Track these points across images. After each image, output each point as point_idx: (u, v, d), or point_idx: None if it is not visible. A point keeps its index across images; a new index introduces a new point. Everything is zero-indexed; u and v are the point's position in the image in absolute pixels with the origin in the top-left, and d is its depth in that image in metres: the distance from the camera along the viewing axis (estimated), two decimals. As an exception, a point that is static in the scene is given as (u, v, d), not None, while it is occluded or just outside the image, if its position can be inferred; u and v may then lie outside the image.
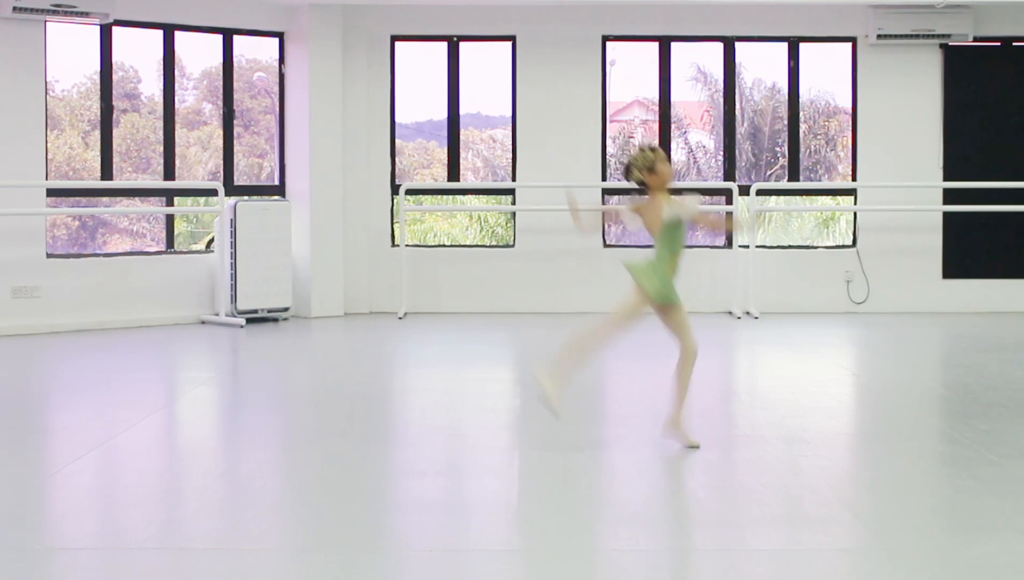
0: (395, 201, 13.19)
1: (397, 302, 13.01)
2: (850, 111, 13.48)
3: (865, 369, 10.21)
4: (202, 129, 13.80)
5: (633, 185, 6.68)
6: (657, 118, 13.60)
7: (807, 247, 13.65)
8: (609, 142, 13.73)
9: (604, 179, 13.31)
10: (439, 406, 8.16)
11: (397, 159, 13.49)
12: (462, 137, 13.66)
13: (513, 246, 13.38)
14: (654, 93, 13.55)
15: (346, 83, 13.04)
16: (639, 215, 6.70)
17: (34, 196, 11.55)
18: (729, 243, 13.00)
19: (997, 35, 13.20)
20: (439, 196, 14.06)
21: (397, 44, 13.33)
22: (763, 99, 14.79)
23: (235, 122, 12.97)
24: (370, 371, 9.85)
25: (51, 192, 11.82)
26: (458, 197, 13.98)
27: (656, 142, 13.70)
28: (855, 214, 13.44)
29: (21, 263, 11.41)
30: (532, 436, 7.18)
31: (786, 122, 13.57)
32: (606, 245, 13.36)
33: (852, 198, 13.53)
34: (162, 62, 12.42)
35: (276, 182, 13.10)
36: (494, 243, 14.61)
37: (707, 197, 13.69)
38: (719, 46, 13.43)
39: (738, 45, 13.43)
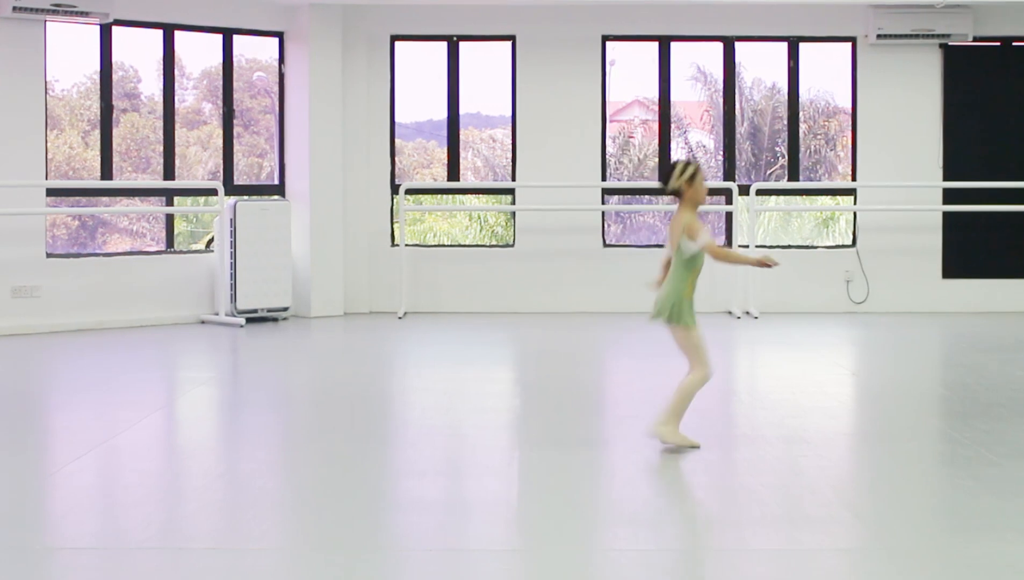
0: (395, 201, 13.19)
1: (397, 302, 13.01)
2: (850, 111, 13.48)
3: (865, 369, 10.21)
4: (202, 129, 13.79)
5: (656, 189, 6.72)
6: (657, 118, 13.60)
7: (807, 247, 13.65)
8: (609, 142, 13.72)
9: (604, 179, 13.31)
10: (439, 406, 8.16)
11: (397, 159, 13.49)
12: (462, 137, 13.66)
13: (513, 246, 13.38)
14: (654, 93, 13.55)
15: (346, 83, 13.03)
16: (670, 229, 6.76)
17: (34, 196, 11.55)
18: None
19: (997, 35, 13.20)
20: (439, 196, 14.06)
21: (397, 44, 13.33)
22: (763, 99, 14.79)
23: (235, 122, 12.97)
24: (370, 371, 9.85)
25: (51, 192, 11.82)
26: (458, 197, 13.98)
27: (657, 142, 13.70)
28: (855, 214, 13.44)
29: (21, 263, 11.41)
30: (532, 436, 7.18)
31: (786, 122, 13.58)
32: (606, 245, 13.35)
33: (852, 198, 13.53)
34: (162, 62, 12.41)
35: (276, 182, 13.10)
36: (494, 243, 14.61)
37: (707, 197, 13.68)
38: (719, 46, 13.43)
39: (738, 45, 13.43)
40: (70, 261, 11.84)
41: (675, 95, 13.58)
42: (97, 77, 12.13)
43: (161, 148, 12.46)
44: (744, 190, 13.12)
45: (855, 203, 13.43)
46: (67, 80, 12.78)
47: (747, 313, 12.78)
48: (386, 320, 12.58)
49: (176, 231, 12.85)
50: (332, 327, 12.18)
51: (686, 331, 6.62)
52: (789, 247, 13.55)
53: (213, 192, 12.48)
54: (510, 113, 13.39)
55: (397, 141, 13.54)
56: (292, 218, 12.71)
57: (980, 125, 13.22)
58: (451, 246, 14.31)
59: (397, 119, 13.43)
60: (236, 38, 12.81)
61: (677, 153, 14.51)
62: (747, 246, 12.99)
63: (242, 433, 7.47)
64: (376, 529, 5.30)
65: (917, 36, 12.93)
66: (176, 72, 12.58)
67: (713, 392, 8.56)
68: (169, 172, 12.40)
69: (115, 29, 11.97)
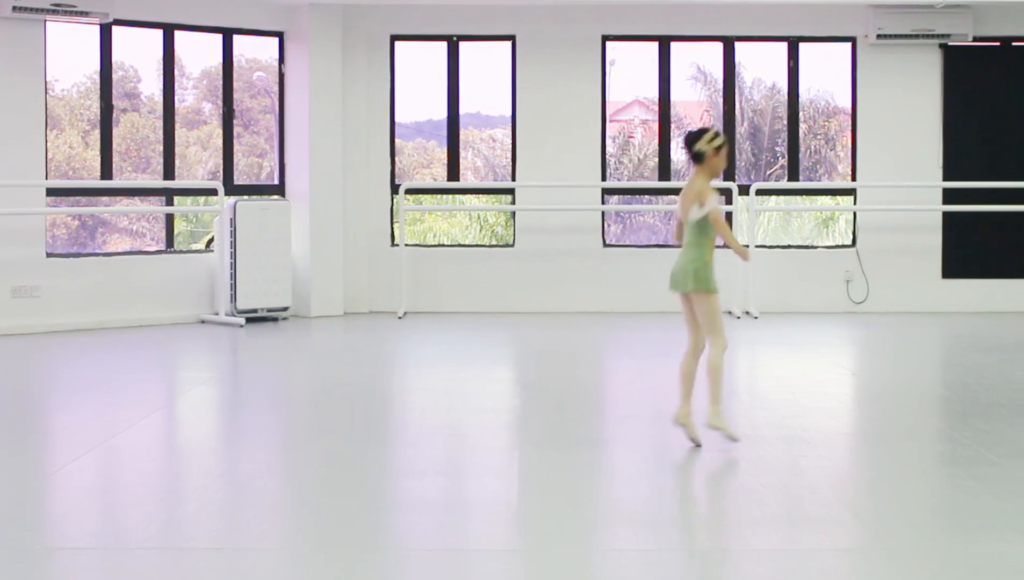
0: (395, 201, 13.19)
1: (397, 302, 13.01)
2: (850, 111, 13.47)
3: (865, 369, 10.21)
4: (202, 129, 13.79)
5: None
6: (657, 118, 13.60)
7: (807, 247, 13.65)
8: (609, 142, 13.72)
9: (604, 179, 13.31)
10: (439, 406, 8.16)
11: (397, 159, 13.49)
12: (462, 137, 13.66)
13: (513, 246, 13.38)
14: (654, 93, 13.55)
15: (346, 83, 13.03)
16: (681, 201, 6.74)
17: (34, 196, 11.54)
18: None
19: (997, 35, 13.19)
20: (439, 196, 14.06)
21: (397, 44, 13.33)
22: (763, 99, 14.79)
23: (235, 122, 12.97)
24: (370, 371, 9.85)
25: (51, 191, 11.81)
26: (458, 197, 13.97)
27: (657, 142, 13.70)
28: (855, 214, 13.44)
29: (21, 263, 11.41)
30: (532, 436, 7.18)
31: (786, 122, 13.57)
32: (606, 245, 13.35)
33: (852, 198, 13.53)
34: (162, 62, 12.41)
35: (276, 182, 13.10)
36: (494, 243, 14.60)
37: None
38: (719, 46, 13.43)
39: (738, 45, 13.42)
40: (70, 261, 11.84)
41: (675, 95, 13.58)
42: (97, 77, 12.13)
43: (161, 148, 12.45)
44: (744, 190, 13.12)
45: (855, 203, 13.43)
46: (67, 80, 12.79)
47: (747, 313, 12.78)
48: (386, 320, 12.58)
49: (176, 231, 12.85)
50: (332, 327, 12.18)
51: (709, 297, 6.63)
52: (789, 247, 13.55)
53: (213, 192, 12.48)
54: (510, 113, 13.39)
55: (397, 141, 13.54)
56: (292, 218, 12.71)
57: (980, 125, 13.22)
58: (451, 246, 14.30)
59: (397, 119, 13.43)
60: (236, 38, 12.81)
61: (677, 153, 14.51)
62: (747, 246, 12.99)
63: (242, 433, 7.47)
64: (376, 529, 5.30)
65: (917, 36, 12.93)
66: (176, 72, 12.58)
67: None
68: (169, 172, 12.40)
69: (115, 29, 11.97)
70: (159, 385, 9.33)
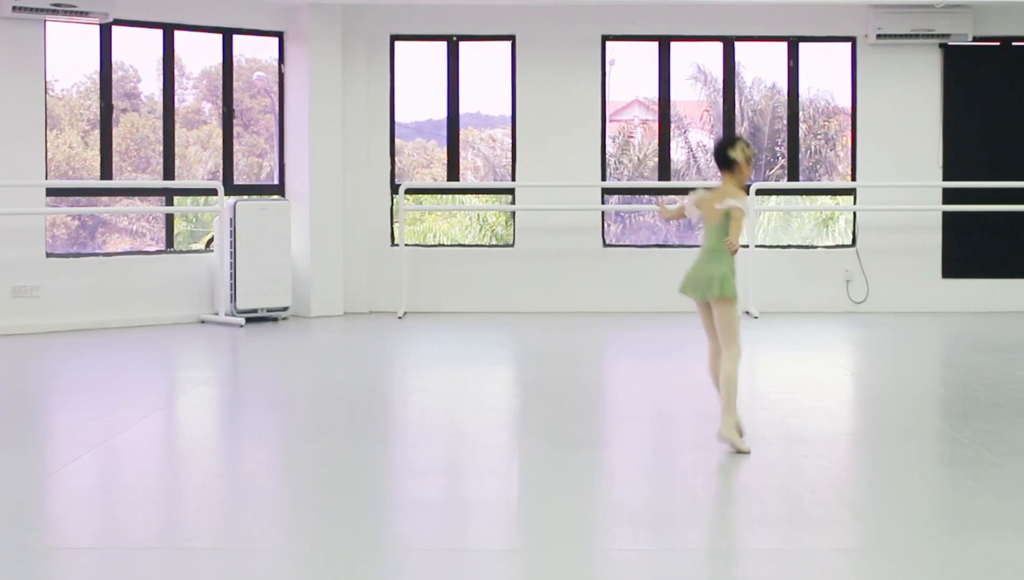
0: (395, 200, 13.19)
1: (397, 302, 13.01)
2: (850, 111, 13.47)
3: (865, 369, 10.21)
4: (202, 128, 13.80)
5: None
6: (657, 118, 13.60)
7: (807, 247, 13.65)
8: (609, 142, 13.72)
9: (604, 179, 13.31)
10: (439, 406, 8.16)
11: (397, 159, 13.49)
12: (462, 137, 13.66)
13: (513, 246, 13.38)
14: (654, 93, 13.55)
15: (346, 83, 13.03)
16: (701, 203, 6.75)
17: (34, 195, 11.54)
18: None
19: (997, 35, 13.19)
20: (439, 195, 14.06)
21: (397, 44, 13.32)
22: (763, 99, 14.79)
23: (235, 122, 12.97)
24: (370, 371, 9.85)
25: (51, 191, 11.81)
26: (458, 197, 13.98)
27: (657, 142, 13.70)
28: (855, 214, 13.44)
29: (21, 263, 11.41)
30: (532, 436, 7.18)
31: (786, 122, 13.57)
32: (605, 245, 13.35)
33: (852, 198, 13.53)
34: (162, 61, 12.41)
35: (276, 182, 13.10)
36: (494, 243, 14.60)
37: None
38: (719, 46, 13.42)
39: (738, 45, 13.42)
40: (70, 261, 11.84)
41: (675, 95, 13.58)
42: (97, 77, 12.13)
43: (161, 148, 12.45)
44: (744, 189, 13.09)
45: (855, 203, 13.43)
46: (67, 80, 12.79)
47: (747, 313, 12.78)
48: (386, 320, 12.58)
49: (176, 231, 12.85)
50: (332, 327, 12.18)
51: (730, 305, 6.64)
52: (789, 247, 13.55)
53: (213, 192, 12.47)
54: (510, 113, 13.39)
55: (397, 141, 13.53)
56: (292, 218, 12.71)
57: (980, 125, 13.22)
58: (451, 246, 14.30)
59: (397, 119, 13.43)
60: (236, 38, 12.81)
61: (677, 153, 14.52)
62: (747, 246, 12.99)
63: (242, 433, 7.47)
64: (376, 529, 5.30)
65: (917, 36, 12.93)
66: (176, 72, 12.58)
67: (713, 392, 8.57)
68: (169, 172, 12.39)
69: (115, 29, 11.97)
70: (159, 385, 9.33)
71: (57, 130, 12.69)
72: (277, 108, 13.12)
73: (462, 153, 13.74)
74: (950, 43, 13.11)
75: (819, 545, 5.02)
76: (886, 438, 7.07)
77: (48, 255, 11.66)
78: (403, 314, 12.79)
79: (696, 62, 14.08)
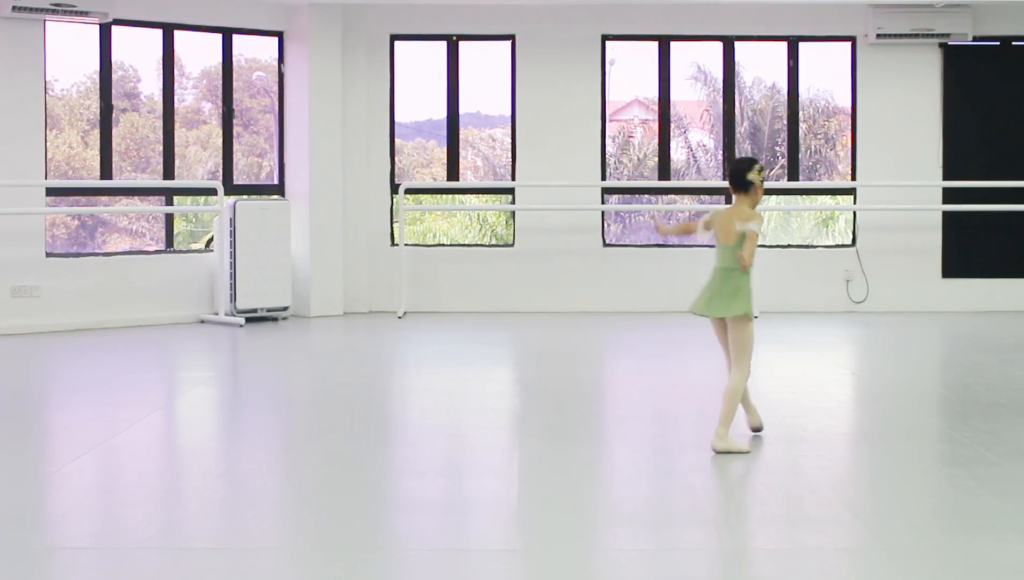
0: (395, 200, 13.19)
1: (397, 301, 13.01)
2: (849, 110, 13.47)
3: (865, 369, 10.21)
4: (201, 128, 13.80)
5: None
6: (657, 117, 13.60)
7: (807, 246, 13.65)
8: (608, 141, 13.72)
9: (604, 178, 13.31)
10: (439, 406, 8.15)
11: (396, 158, 13.49)
12: (461, 136, 13.65)
13: (513, 245, 13.38)
14: (654, 92, 13.55)
15: (346, 82, 13.03)
16: (713, 223, 6.81)
17: (33, 195, 11.54)
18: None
19: (996, 34, 13.19)
20: (439, 195, 14.05)
21: (397, 43, 13.33)
22: (763, 98, 14.79)
23: (234, 121, 12.97)
24: (370, 371, 9.85)
25: (50, 191, 11.81)
26: (457, 196, 13.98)
27: (656, 141, 13.69)
28: (854, 213, 13.44)
29: (20, 262, 11.41)
30: (532, 436, 7.18)
31: (786, 121, 13.57)
32: (605, 245, 13.35)
33: (852, 197, 13.53)
34: (161, 61, 12.41)
35: (275, 181, 13.10)
36: (494, 242, 14.60)
37: (707, 197, 13.70)
38: (719, 45, 13.42)
39: (738, 44, 13.42)
40: (70, 261, 11.84)
41: (675, 95, 13.58)
42: (97, 77, 12.13)
43: (161, 148, 12.45)
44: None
45: (855, 203, 13.43)
46: (67, 80, 12.79)
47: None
48: (386, 320, 12.58)
49: (176, 231, 12.85)
50: (332, 327, 12.18)
51: (747, 324, 6.73)
52: (789, 247, 13.55)
53: (213, 192, 12.47)
54: (510, 113, 13.39)
55: (397, 141, 13.54)
56: (292, 218, 12.71)
57: (980, 125, 13.22)
58: (451, 246, 14.31)
59: (397, 119, 13.43)
60: (236, 38, 12.81)
61: (677, 153, 14.52)
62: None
63: (242, 433, 7.47)
64: (376, 529, 5.30)
65: (917, 36, 12.93)
66: (176, 72, 12.58)
67: (713, 392, 8.57)
68: (169, 172, 12.39)
69: (115, 29, 11.97)
70: (159, 385, 9.33)
71: (57, 130, 12.69)
72: (277, 108, 13.12)
73: (462, 153, 13.75)
74: (950, 43, 13.11)
75: (819, 545, 5.02)
76: (886, 438, 7.07)
77: (48, 255, 11.66)
78: (403, 314, 12.79)
79: (696, 62, 14.08)
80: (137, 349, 10.64)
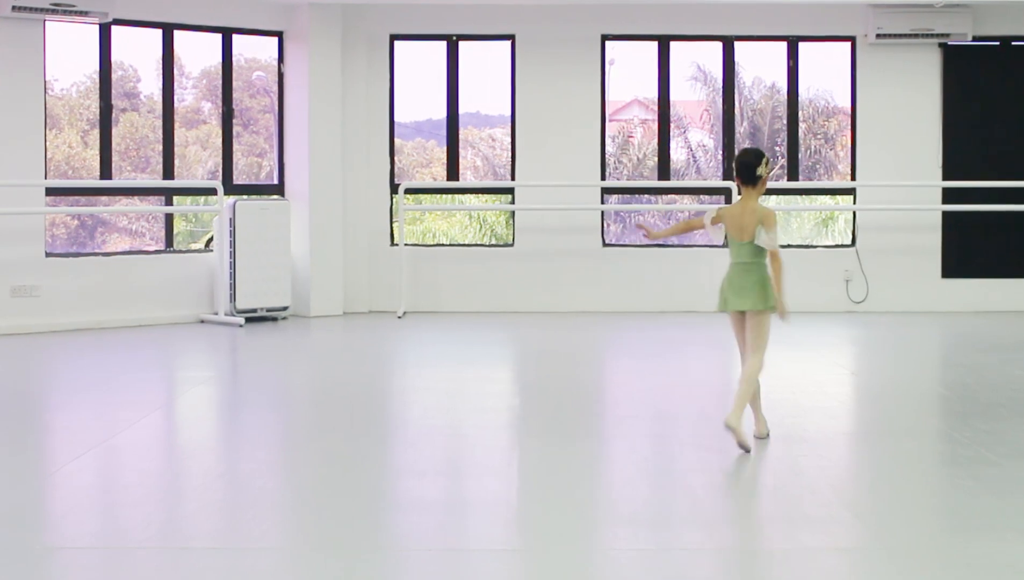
0: (394, 200, 13.19)
1: (396, 301, 13.01)
2: (849, 110, 13.48)
3: (865, 369, 10.21)
4: (201, 128, 13.79)
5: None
6: (656, 117, 13.60)
7: (806, 246, 13.65)
8: (608, 141, 13.72)
9: (603, 178, 13.31)
10: (439, 406, 8.16)
11: (396, 158, 13.49)
12: (461, 136, 13.65)
13: (512, 245, 13.38)
14: (653, 92, 13.55)
15: (345, 82, 13.03)
16: (724, 219, 6.84)
17: (33, 195, 11.54)
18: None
19: (996, 34, 13.19)
20: (438, 195, 14.05)
21: (396, 43, 13.33)
22: (762, 98, 14.80)
23: (234, 121, 12.97)
24: (370, 371, 9.85)
25: (50, 191, 11.81)
26: (457, 196, 13.97)
27: (656, 141, 13.69)
28: (854, 213, 13.44)
29: (20, 262, 11.41)
30: (532, 436, 7.18)
31: (785, 121, 13.57)
32: (605, 244, 13.35)
33: (851, 197, 13.53)
34: (161, 61, 12.41)
35: (275, 181, 13.10)
36: (494, 242, 14.60)
37: (707, 197, 13.70)
38: (718, 45, 13.42)
39: (737, 44, 13.42)
40: (69, 260, 11.84)
41: (674, 95, 13.58)
42: (96, 76, 12.13)
43: (160, 147, 12.45)
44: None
45: (854, 202, 13.43)
46: (66, 79, 12.79)
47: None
48: (386, 320, 12.58)
49: (175, 230, 12.85)
50: (331, 327, 12.18)
51: (767, 316, 6.76)
52: (789, 246, 13.54)
53: (212, 191, 12.47)
54: (509, 112, 13.39)
55: (396, 140, 13.54)
56: (291, 218, 12.71)
57: (979, 125, 13.22)
58: (451, 246, 14.31)
59: (396, 118, 13.43)
60: (235, 37, 12.81)
61: (677, 153, 14.52)
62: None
63: (242, 433, 7.47)
64: (376, 529, 5.30)
65: (916, 36, 12.93)
66: (175, 71, 12.58)
67: (713, 392, 8.57)
68: (168, 171, 12.39)
69: (114, 28, 11.97)
70: (159, 385, 9.33)
71: (57, 130, 12.69)
72: (277, 108, 13.12)
73: (462, 153, 13.75)
74: (949, 43, 13.11)
75: (819, 545, 5.02)
76: (886, 438, 7.08)
77: (48, 255, 11.66)
78: (403, 314, 12.79)
79: (696, 62, 14.09)
80: (137, 349, 10.64)
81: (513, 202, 13.45)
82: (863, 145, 13.32)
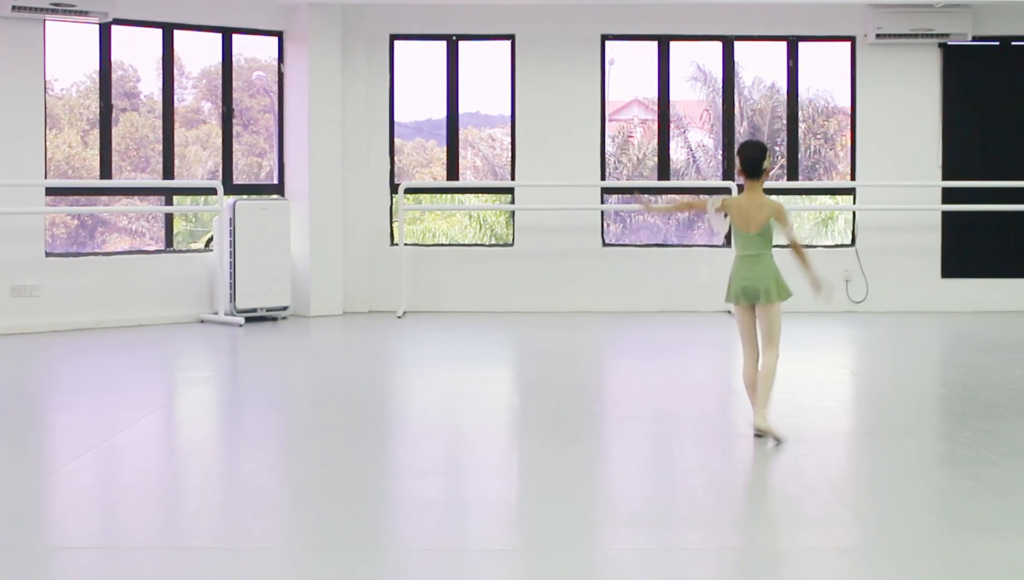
0: (394, 200, 13.19)
1: (396, 301, 13.01)
2: (849, 110, 13.47)
3: (865, 369, 10.21)
4: (201, 128, 13.79)
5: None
6: (656, 117, 13.60)
7: (806, 246, 13.59)
8: (608, 141, 13.72)
9: (603, 178, 13.30)
10: (439, 406, 8.16)
11: (396, 158, 13.49)
12: (461, 136, 13.65)
13: (512, 245, 13.38)
14: (653, 92, 13.54)
15: (345, 82, 13.03)
16: (729, 210, 6.88)
17: (33, 195, 11.54)
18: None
19: (996, 34, 13.19)
20: (438, 195, 14.04)
21: (396, 43, 13.32)
22: (762, 98, 14.79)
23: (234, 121, 12.96)
24: (370, 371, 9.85)
25: (50, 191, 11.81)
26: (457, 196, 13.97)
27: (656, 141, 13.69)
28: (854, 213, 13.44)
29: (20, 262, 11.41)
30: (532, 436, 7.18)
31: (785, 121, 13.57)
32: (605, 244, 13.35)
33: (851, 197, 13.53)
34: (161, 61, 12.41)
35: (275, 181, 13.10)
36: (493, 242, 14.60)
37: (707, 197, 13.69)
38: (718, 45, 13.42)
39: (737, 44, 13.42)
40: (69, 260, 11.84)
41: (674, 95, 13.58)
42: (96, 76, 12.13)
43: (160, 147, 12.45)
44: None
45: (854, 202, 13.43)
46: (66, 79, 12.79)
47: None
48: (385, 319, 12.58)
49: (175, 230, 12.85)
50: (331, 326, 12.18)
51: (778, 307, 6.86)
52: (788, 246, 13.52)
53: (212, 191, 12.47)
54: (509, 112, 13.39)
55: (396, 140, 13.54)
56: (291, 217, 12.71)
57: (979, 125, 13.22)
58: (450, 245, 14.31)
59: (396, 118, 13.43)
60: (235, 37, 12.80)
61: (677, 153, 14.52)
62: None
63: (242, 433, 7.47)
64: (376, 529, 5.30)
65: (916, 36, 12.93)
66: (175, 71, 12.58)
67: (713, 391, 8.58)
68: (168, 171, 12.39)
69: (114, 28, 11.96)
70: (159, 385, 9.33)
71: (57, 130, 12.69)
72: (276, 108, 13.12)
73: (461, 153, 13.75)
74: (949, 43, 13.11)
75: (819, 545, 5.02)
76: (886, 438, 7.08)
77: (48, 254, 11.66)
78: (403, 314, 12.79)
79: (696, 62, 14.08)
80: (137, 349, 10.64)
81: (513, 202, 13.45)
82: (863, 145, 13.32)
